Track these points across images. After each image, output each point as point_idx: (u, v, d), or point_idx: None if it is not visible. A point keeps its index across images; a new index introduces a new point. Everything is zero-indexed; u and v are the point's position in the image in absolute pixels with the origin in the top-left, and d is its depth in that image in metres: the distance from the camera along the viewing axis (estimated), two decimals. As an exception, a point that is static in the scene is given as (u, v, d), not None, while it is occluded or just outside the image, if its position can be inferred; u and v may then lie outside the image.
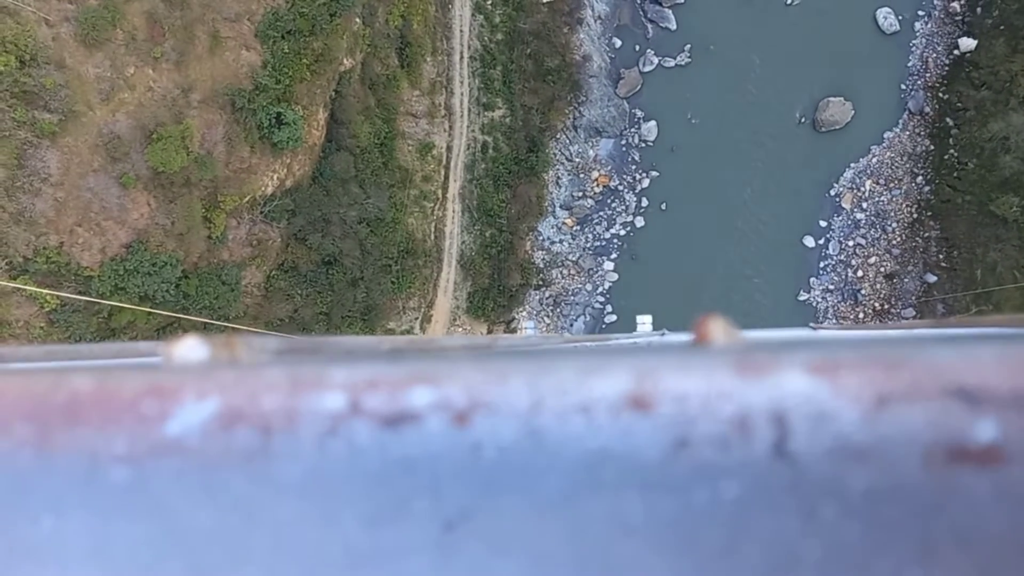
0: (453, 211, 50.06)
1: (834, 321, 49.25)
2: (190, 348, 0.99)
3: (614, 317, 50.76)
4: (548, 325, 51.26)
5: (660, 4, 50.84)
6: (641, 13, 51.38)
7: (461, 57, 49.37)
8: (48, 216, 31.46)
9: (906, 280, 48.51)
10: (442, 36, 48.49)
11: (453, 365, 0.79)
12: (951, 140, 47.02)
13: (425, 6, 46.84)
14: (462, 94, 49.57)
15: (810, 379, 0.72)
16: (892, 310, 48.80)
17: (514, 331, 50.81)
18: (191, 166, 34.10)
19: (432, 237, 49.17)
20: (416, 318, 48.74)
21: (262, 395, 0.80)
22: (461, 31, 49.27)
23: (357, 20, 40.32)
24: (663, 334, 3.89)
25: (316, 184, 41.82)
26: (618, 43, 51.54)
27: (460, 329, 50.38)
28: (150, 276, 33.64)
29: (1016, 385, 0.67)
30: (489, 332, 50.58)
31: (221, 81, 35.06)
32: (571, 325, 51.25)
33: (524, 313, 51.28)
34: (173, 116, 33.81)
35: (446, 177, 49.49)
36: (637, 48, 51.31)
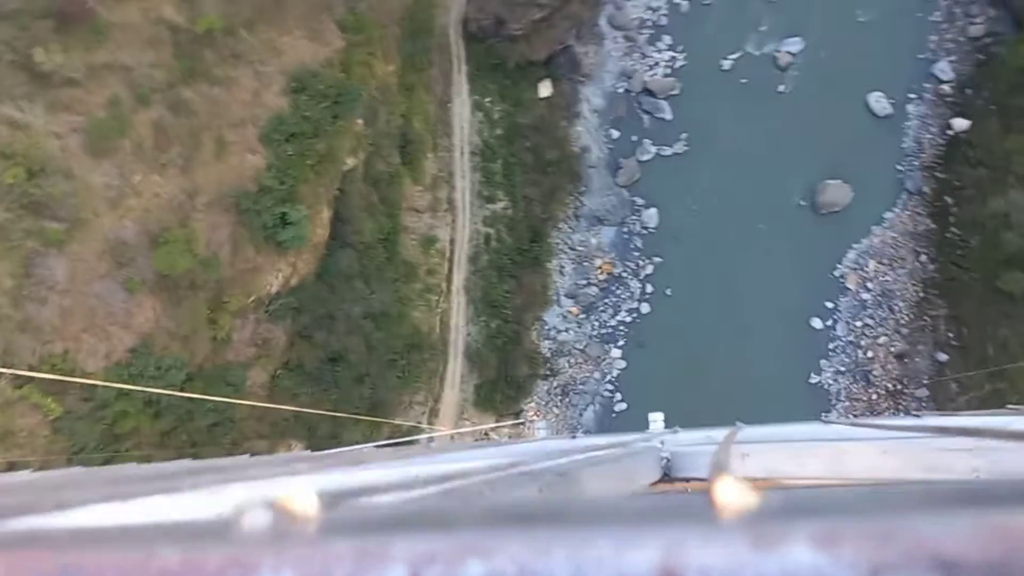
0: (458, 303, 50.11)
1: (847, 403, 48.55)
2: (257, 516, 1.00)
3: (624, 405, 50.16)
4: (558, 416, 50.64)
5: (654, 96, 51.99)
6: (636, 105, 52.50)
7: (462, 152, 50.26)
8: (54, 323, 31.45)
9: (917, 359, 48.03)
10: (443, 133, 49.49)
11: (503, 536, 0.84)
12: (951, 218, 47.29)
13: (425, 105, 47.94)
14: (464, 188, 50.27)
15: (815, 552, 0.78)
16: (905, 390, 48.15)
17: (522, 423, 50.13)
18: (196, 268, 34.28)
19: (438, 330, 49.07)
20: (423, 412, 48.19)
21: (332, 568, 0.84)
22: (461, 127, 50.29)
23: (359, 121, 41.18)
24: (675, 431, 3.80)
25: (321, 281, 41.95)
26: (615, 134, 52.51)
27: (467, 422, 49.74)
28: (155, 380, 33.37)
29: (986, 556, 0.73)
30: (497, 422, 49.93)
31: (227, 184, 35.58)
32: (580, 415, 50.61)
33: (532, 404, 50.71)
34: (179, 220, 34.19)
35: (450, 270, 49.74)
36: (634, 138, 52.25)
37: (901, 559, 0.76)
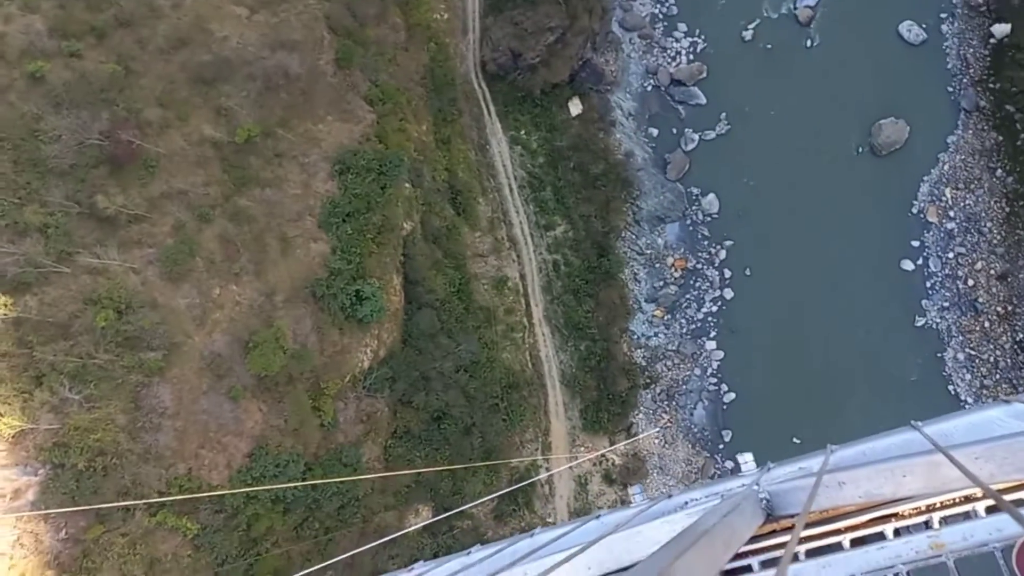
0: (543, 335, 50.23)
1: (960, 338, 46.74)
2: None
3: (732, 395, 49.30)
4: (667, 420, 50.06)
5: (684, 84, 51.72)
6: (668, 98, 52.30)
7: (511, 189, 50.76)
8: (172, 447, 32.68)
9: (1021, 276, 46.08)
10: (488, 176, 50.12)
11: None
12: (1018, 125, 45.55)
13: (465, 154, 48.69)
14: (521, 223, 50.67)
15: None
16: (1017, 310, 46.16)
17: (634, 435, 49.69)
18: (290, 363, 35.27)
19: (530, 365, 49.22)
20: (536, 448, 48.20)
21: None
22: (504, 166, 50.86)
23: (407, 185, 42.04)
24: (768, 469, 3.77)
25: (407, 346, 42.66)
26: (655, 132, 52.34)
27: (581, 448, 49.55)
28: (277, 478, 34.31)
29: None
30: (611, 443, 49.60)
31: (298, 277, 36.66)
32: (691, 415, 49.94)
33: (640, 415, 50.23)
34: (263, 321, 35.31)
35: (527, 304, 49.98)
36: (675, 131, 51.99)
37: None
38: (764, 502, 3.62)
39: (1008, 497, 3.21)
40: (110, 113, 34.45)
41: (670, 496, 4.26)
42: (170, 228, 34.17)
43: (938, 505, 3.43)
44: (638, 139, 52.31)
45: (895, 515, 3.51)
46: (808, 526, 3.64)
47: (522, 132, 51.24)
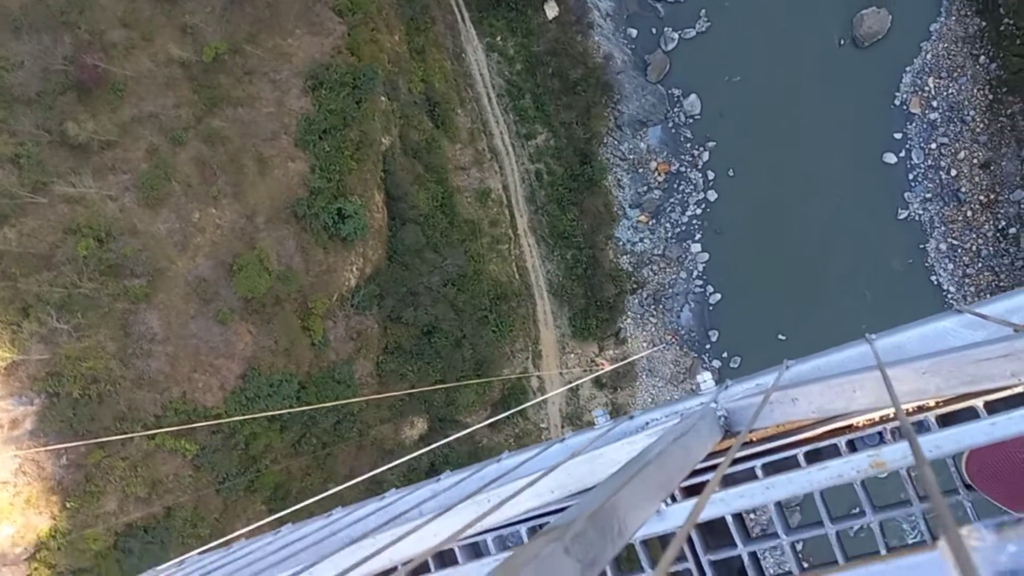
0: (528, 245, 50.25)
1: (942, 228, 46.99)
2: None
3: (718, 296, 49.75)
4: (656, 324, 50.64)
5: (662, -19, 50.41)
6: (646, -4, 51.05)
7: (489, 99, 49.90)
8: (165, 372, 33.00)
9: (1003, 163, 46.02)
10: (465, 85, 49.17)
11: None
12: (1001, 10, 44.71)
13: (441, 63, 47.65)
14: (501, 133, 50.02)
15: None
16: (1000, 197, 46.31)
17: (623, 340, 50.33)
18: (276, 284, 35.31)
19: (517, 276, 49.40)
20: (527, 358, 48.84)
21: None
22: (481, 74, 49.87)
23: (383, 99, 41.28)
24: (727, 386, 3.90)
25: (393, 262, 42.67)
26: (633, 32, 51.23)
27: (572, 355, 50.22)
28: (271, 398, 34.79)
29: None
30: (600, 350, 50.28)
31: (278, 197, 36.35)
32: (678, 317, 50.48)
33: (628, 320, 50.72)
34: (246, 244, 35.17)
35: (511, 215, 49.82)
36: (654, 31, 50.90)
37: None
38: (722, 419, 3.73)
39: (960, 405, 3.34)
40: (72, 36, 33.46)
41: (631, 417, 4.39)
42: (144, 153, 33.65)
43: (891, 416, 3.54)
44: (617, 41, 51.23)
45: (850, 427, 3.65)
46: (766, 440, 3.79)
47: (498, 38, 50.08)
